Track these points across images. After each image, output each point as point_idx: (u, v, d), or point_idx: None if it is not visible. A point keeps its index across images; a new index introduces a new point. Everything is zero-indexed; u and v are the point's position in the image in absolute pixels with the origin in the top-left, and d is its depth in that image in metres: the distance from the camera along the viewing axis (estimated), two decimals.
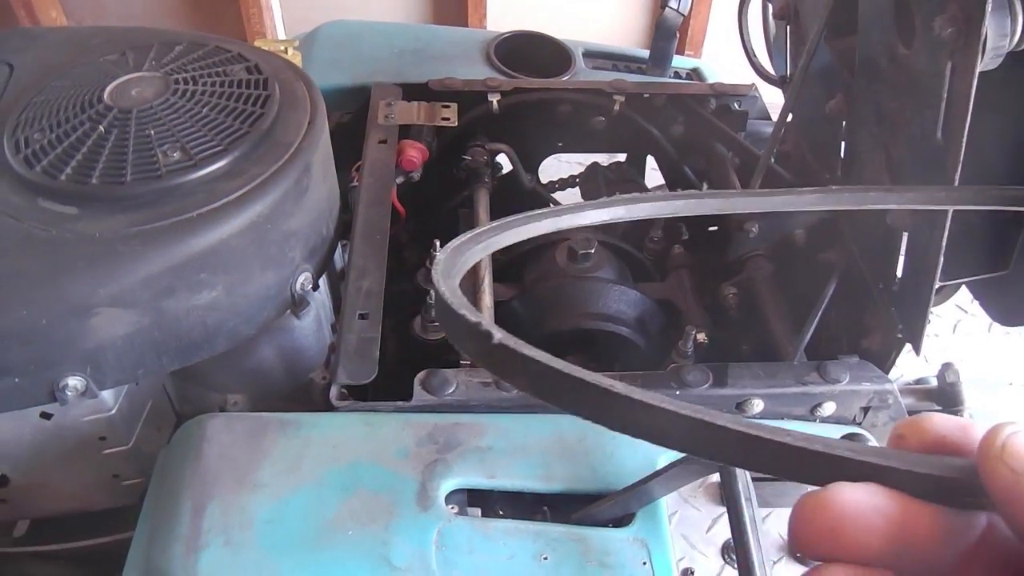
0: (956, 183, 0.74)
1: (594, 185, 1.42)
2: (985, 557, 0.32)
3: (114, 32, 1.10)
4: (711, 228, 1.37)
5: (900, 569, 0.31)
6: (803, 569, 0.89)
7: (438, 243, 1.12)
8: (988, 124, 0.89)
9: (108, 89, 0.94)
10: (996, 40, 0.68)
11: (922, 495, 0.31)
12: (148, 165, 0.85)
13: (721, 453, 0.32)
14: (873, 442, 0.86)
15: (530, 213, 0.45)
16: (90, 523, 1.03)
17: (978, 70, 0.67)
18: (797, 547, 0.31)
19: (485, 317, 0.33)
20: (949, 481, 0.31)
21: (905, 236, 0.89)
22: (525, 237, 0.45)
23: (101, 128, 0.89)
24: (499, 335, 0.33)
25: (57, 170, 0.85)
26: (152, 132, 0.89)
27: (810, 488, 0.32)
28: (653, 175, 1.51)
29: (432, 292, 1.03)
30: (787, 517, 0.91)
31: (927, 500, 0.31)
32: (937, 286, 0.85)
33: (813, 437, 0.31)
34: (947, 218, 0.78)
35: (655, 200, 0.48)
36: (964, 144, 0.71)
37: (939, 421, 0.34)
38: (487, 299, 1.04)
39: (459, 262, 0.40)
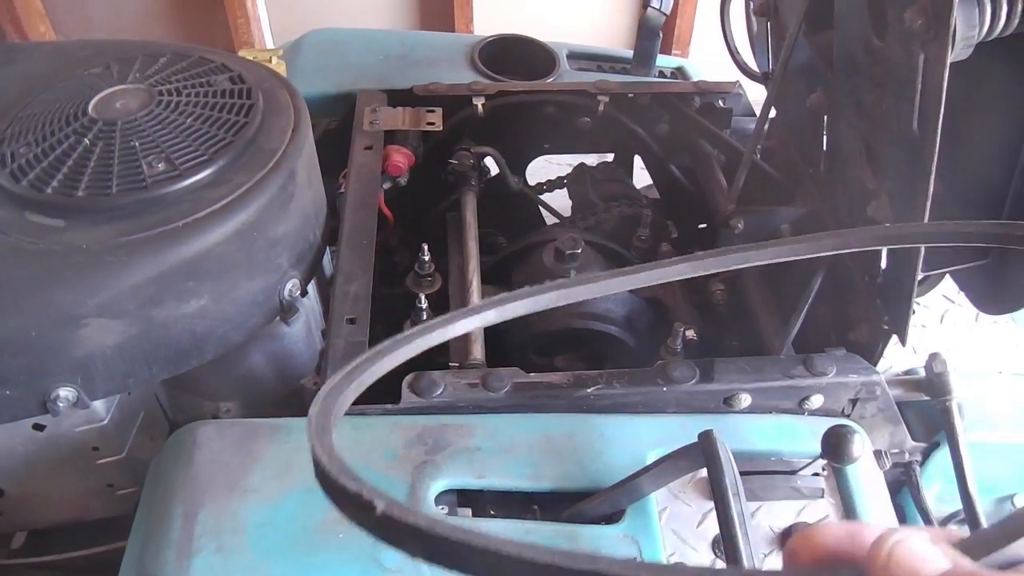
0: (933, 173, 0.75)
1: (581, 186, 1.43)
2: None
3: (99, 45, 1.11)
4: (700, 226, 1.37)
5: None
6: None
7: (426, 247, 1.13)
8: (978, 123, 0.90)
9: (93, 102, 0.94)
10: (965, 30, 0.69)
11: None
12: (134, 176, 0.86)
13: None
14: (860, 433, 0.87)
15: (400, 336, 0.44)
16: (86, 533, 1.04)
17: (949, 60, 0.68)
18: None
19: (366, 483, 0.33)
20: None
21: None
22: (400, 361, 0.43)
23: (86, 141, 0.90)
24: (382, 504, 0.32)
25: (43, 183, 0.86)
26: (137, 143, 0.89)
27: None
28: (641, 175, 1.51)
29: (421, 295, 1.04)
30: (777, 510, 0.90)
31: None
32: (920, 276, 0.86)
33: (704, 570, 0.31)
34: (926, 209, 0.78)
35: (522, 298, 0.47)
36: (939, 134, 0.72)
37: (828, 533, 0.36)
38: (475, 300, 1.05)
39: (335, 408, 0.38)
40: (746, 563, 0.73)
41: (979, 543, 0.32)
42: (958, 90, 0.71)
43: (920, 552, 0.31)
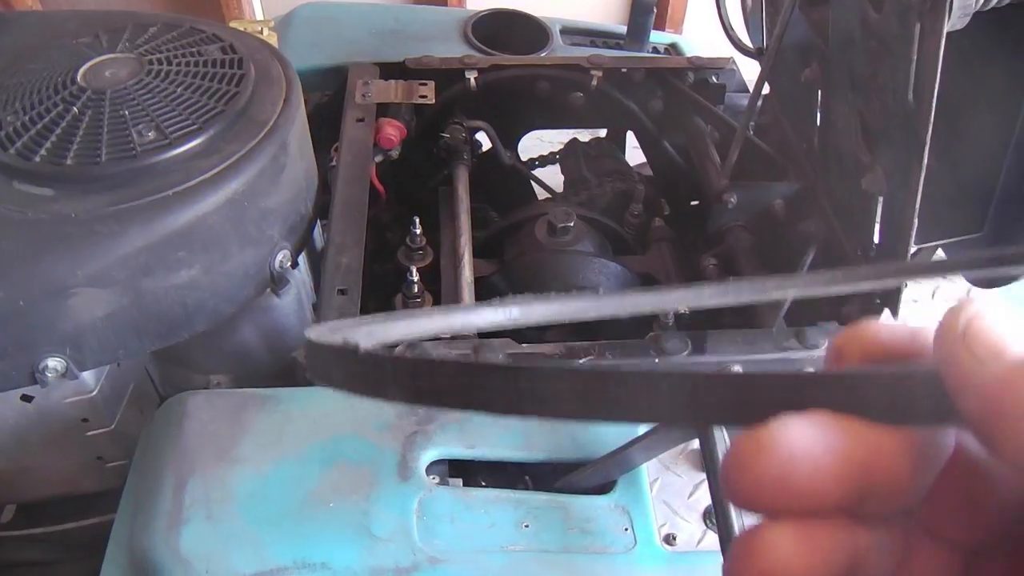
0: (927, 144, 0.74)
1: (574, 161, 1.42)
2: (954, 487, 0.27)
3: (88, 15, 1.10)
4: (692, 203, 1.37)
5: (859, 511, 0.26)
6: None
7: (417, 220, 1.12)
8: (975, 107, 0.90)
9: (82, 70, 0.94)
10: None
11: (880, 412, 0.25)
12: (123, 145, 0.85)
13: (626, 410, 0.25)
14: None
15: (418, 311, 0.39)
16: (77, 506, 1.03)
17: (946, 30, 0.67)
18: (735, 501, 0.25)
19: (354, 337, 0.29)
20: (906, 381, 0.25)
21: (880, 201, 0.90)
22: (413, 333, 0.39)
23: (75, 109, 0.89)
24: (364, 347, 0.28)
25: (32, 152, 0.85)
26: (127, 112, 0.89)
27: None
28: (635, 154, 1.51)
29: (412, 269, 1.03)
30: None
31: (886, 418, 0.25)
32: (913, 250, 0.86)
33: (735, 369, 0.25)
34: (920, 180, 0.78)
35: (549, 303, 0.42)
36: (934, 105, 0.72)
37: (883, 329, 0.28)
38: (467, 273, 1.04)
39: (336, 335, 0.32)
40: (737, 534, 0.74)
41: None
42: (956, 76, 0.71)
43: (1005, 327, 0.24)
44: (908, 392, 0.25)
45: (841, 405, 0.25)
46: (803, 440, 0.24)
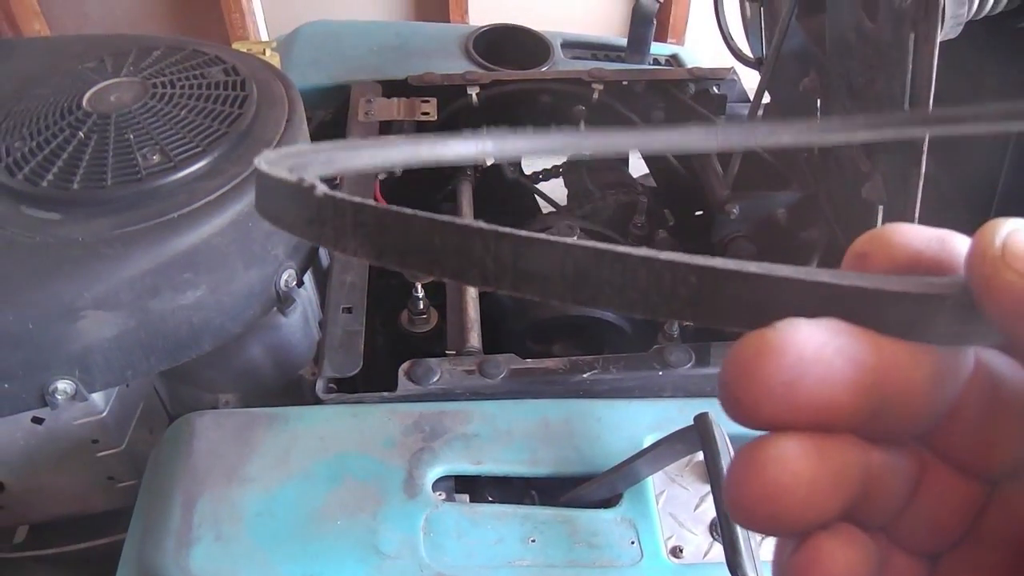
0: (925, 152, 0.75)
1: (577, 174, 1.43)
2: (975, 409, 0.25)
3: (92, 40, 1.11)
4: (697, 213, 1.37)
5: (871, 431, 0.24)
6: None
7: None
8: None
9: (87, 95, 0.95)
10: (955, 8, 0.69)
11: (900, 328, 0.23)
12: (128, 169, 0.86)
13: (618, 295, 0.22)
14: None
15: (386, 137, 0.33)
16: (89, 526, 1.04)
17: (939, 39, 0.68)
18: (734, 413, 0.22)
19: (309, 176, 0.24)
20: (934, 302, 0.23)
21: (881, 209, 0.90)
22: (378, 163, 0.33)
23: (81, 134, 0.90)
24: (323, 188, 0.24)
25: (39, 177, 0.86)
26: (131, 136, 0.90)
27: None
28: (638, 165, 1.51)
29: (417, 285, 1.04)
30: None
31: (906, 335, 0.23)
32: None
33: (747, 263, 0.22)
34: (919, 186, 0.79)
35: (528, 139, 0.37)
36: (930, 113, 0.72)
37: (911, 232, 0.26)
38: (471, 290, 1.05)
39: (289, 161, 0.28)
40: (742, 546, 0.74)
41: None
42: (952, 82, 0.71)
43: None
44: (933, 306, 0.23)
45: (857, 317, 0.22)
46: (814, 342, 0.22)
